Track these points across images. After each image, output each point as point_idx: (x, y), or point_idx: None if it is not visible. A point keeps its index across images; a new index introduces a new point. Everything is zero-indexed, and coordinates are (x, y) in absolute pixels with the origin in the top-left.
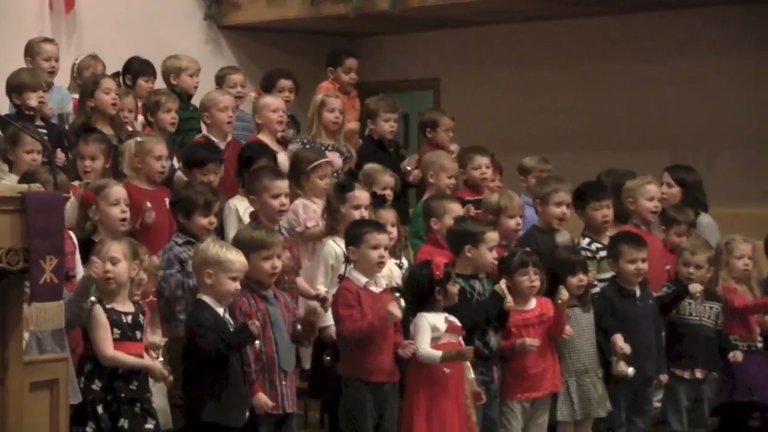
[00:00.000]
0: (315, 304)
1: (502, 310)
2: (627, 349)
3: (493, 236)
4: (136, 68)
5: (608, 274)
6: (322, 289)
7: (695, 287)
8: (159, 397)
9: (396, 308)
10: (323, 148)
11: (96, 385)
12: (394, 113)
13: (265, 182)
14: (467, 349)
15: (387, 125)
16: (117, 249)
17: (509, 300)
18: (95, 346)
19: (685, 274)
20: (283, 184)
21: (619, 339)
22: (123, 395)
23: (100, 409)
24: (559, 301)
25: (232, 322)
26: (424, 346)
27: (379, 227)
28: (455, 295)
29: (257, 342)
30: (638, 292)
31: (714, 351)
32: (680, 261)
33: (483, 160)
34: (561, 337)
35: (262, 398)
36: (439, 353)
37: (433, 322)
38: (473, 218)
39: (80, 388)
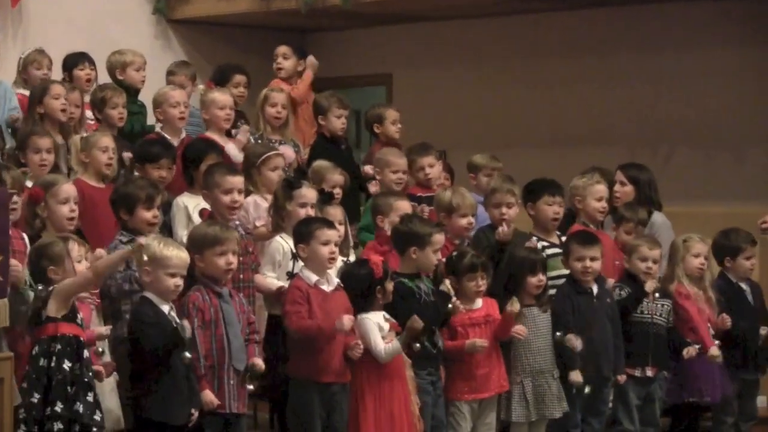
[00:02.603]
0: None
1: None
2: (579, 345)
3: (439, 239)
4: (69, 64)
5: (555, 272)
6: (274, 281)
7: (651, 285)
8: (110, 397)
9: (347, 321)
10: (272, 143)
11: (66, 365)
12: (345, 109)
13: (217, 178)
14: (413, 319)
15: (338, 122)
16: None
17: (458, 305)
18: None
19: (643, 269)
20: (235, 180)
21: (572, 338)
22: (86, 380)
23: (70, 389)
24: (508, 310)
25: (177, 320)
26: (381, 344)
27: (329, 224)
28: (391, 293)
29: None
30: (595, 290)
31: (664, 349)
32: (635, 257)
33: (426, 160)
34: (506, 338)
35: (209, 396)
36: (398, 343)
37: (376, 321)
38: (420, 218)
39: (52, 367)
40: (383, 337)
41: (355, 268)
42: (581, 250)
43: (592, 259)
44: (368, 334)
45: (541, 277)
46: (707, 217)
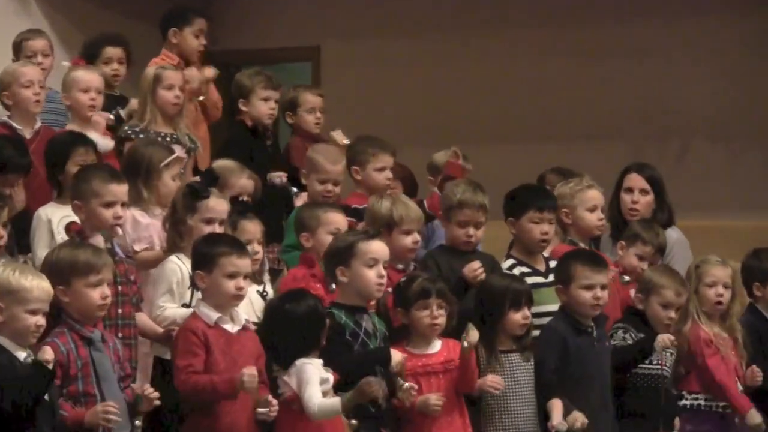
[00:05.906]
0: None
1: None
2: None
3: (368, 248)
4: None
5: (542, 308)
6: (175, 311)
7: (664, 341)
8: None
9: (251, 378)
10: (161, 137)
11: None
12: (274, 90)
13: (95, 186)
14: (366, 382)
15: (265, 107)
16: None
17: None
18: None
19: (663, 319)
20: (120, 190)
21: (557, 408)
22: None
23: None
24: (465, 344)
25: None
26: (317, 396)
27: (240, 249)
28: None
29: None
30: (594, 330)
31: (673, 409)
32: (656, 300)
33: (390, 160)
34: (471, 391)
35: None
36: (338, 400)
37: (320, 372)
38: (349, 230)
39: None
40: (325, 392)
41: (292, 303)
42: (591, 274)
43: (603, 287)
44: (306, 384)
45: (527, 312)
46: (732, 233)
